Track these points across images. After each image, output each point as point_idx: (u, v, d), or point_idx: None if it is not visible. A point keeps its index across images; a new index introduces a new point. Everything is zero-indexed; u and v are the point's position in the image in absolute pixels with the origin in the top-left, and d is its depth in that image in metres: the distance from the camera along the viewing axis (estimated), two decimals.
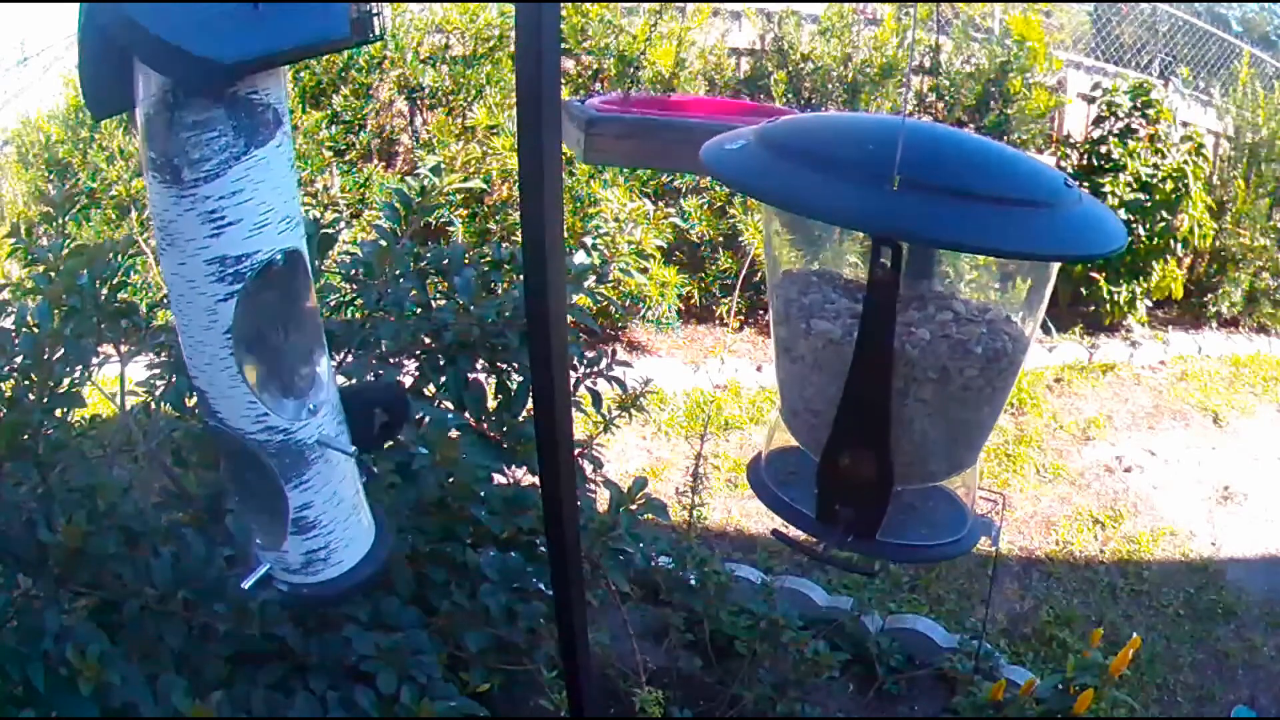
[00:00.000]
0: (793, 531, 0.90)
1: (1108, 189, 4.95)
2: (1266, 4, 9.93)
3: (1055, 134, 5.38)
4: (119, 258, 1.62)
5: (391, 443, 1.09)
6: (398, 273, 1.83)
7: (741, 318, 4.93)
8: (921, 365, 0.78)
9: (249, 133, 0.72)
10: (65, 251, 1.60)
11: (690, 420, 4.12)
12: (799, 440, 0.90)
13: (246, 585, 0.90)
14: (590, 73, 4.89)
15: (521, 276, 1.81)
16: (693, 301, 4.79)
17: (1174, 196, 4.99)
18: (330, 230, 1.85)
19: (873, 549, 0.84)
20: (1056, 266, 0.84)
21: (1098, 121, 5.23)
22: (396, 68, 4.75)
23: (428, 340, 1.84)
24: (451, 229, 4.47)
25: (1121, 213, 4.91)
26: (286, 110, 0.77)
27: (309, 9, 0.72)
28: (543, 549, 1.73)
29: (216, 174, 0.72)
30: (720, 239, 4.74)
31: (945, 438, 0.83)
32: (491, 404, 1.88)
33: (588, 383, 1.93)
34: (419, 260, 1.93)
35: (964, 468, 0.88)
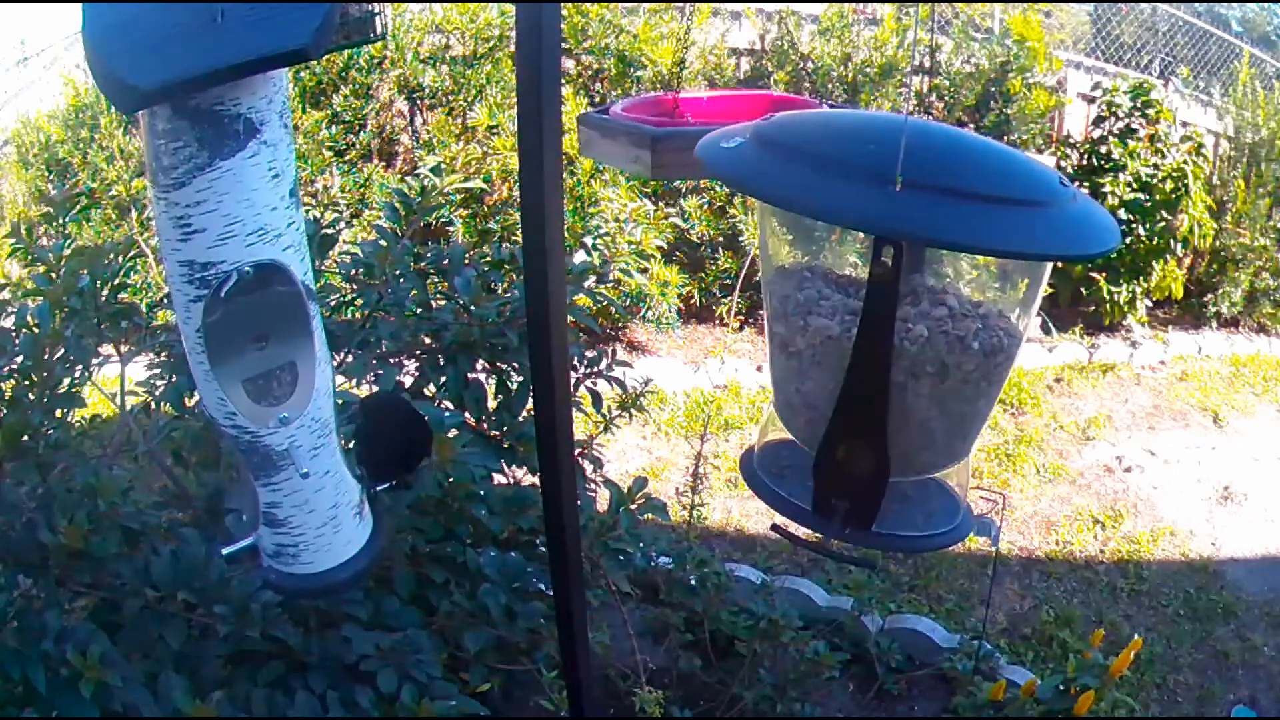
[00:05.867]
0: (793, 527, 0.90)
1: (1108, 189, 4.95)
2: (1266, 4, 9.93)
3: (1055, 134, 5.38)
4: (119, 258, 1.62)
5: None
6: (398, 273, 1.83)
7: (741, 317, 4.93)
8: (920, 360, 0.78)
9: (213, 144, 0.71)
10: (66, 252, 1.60)
11: (690, 420, 4.13)
12: (794, 434, 0.91)
13: (225, 552, 0.92)
14: (590, 73, 4.89)
15: (521, 276, 1.81)
16: (693, 301, 4.79)
17: (1174, 196, 4.99)
18: (330, 230, 1.85)
19: (869, 540, 0.85)
20: (1050, 264, 0.85)
21: (1098, 121, 5.23)
22: (396, 68, 4.75)
23: (428, 340, 1.85)
24: (451, 229, 4.47)
25: (1121, 213, 4.91)
26: (272, 118, 0.74)
27: (257, 24, 0.68)
28: (543, 549, 1.73)
29: (183, 182, 0.72)
30: (720, 239, 4.75)
31: (941, 429, 0.84)
32: (492, 404, 1.88)
33: (588, 383, 1.93)
34: (419, 260, 1.93)
35: (959, 458, 0.89)
